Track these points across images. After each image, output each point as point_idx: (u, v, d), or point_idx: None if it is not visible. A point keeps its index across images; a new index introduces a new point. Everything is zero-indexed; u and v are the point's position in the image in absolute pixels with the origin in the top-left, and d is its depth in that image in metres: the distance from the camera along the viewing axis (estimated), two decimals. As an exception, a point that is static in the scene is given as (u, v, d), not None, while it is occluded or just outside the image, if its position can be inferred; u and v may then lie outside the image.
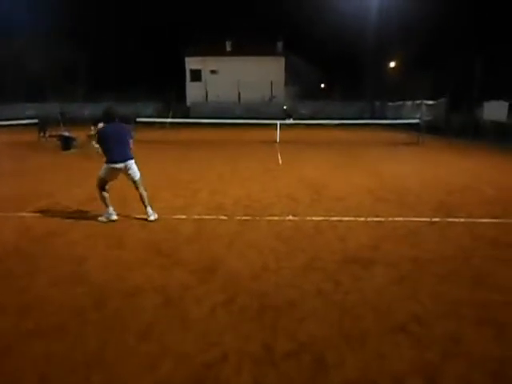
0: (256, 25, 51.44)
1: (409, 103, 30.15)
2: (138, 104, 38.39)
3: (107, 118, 6.85)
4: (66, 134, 17.06)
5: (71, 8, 45.76)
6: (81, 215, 7.18)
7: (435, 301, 4.14)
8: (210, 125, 26.95)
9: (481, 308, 4.02)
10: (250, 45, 43.34)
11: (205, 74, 45.51)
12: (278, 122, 21.34)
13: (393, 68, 41.84)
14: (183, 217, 7.11)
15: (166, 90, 39.74)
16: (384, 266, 5.00)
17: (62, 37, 41.17)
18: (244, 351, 3.33)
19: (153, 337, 3.53)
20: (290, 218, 7.05)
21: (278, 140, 19.78)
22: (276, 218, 7.05)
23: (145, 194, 6.86)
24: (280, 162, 13.75)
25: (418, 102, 28.22)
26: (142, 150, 17.48)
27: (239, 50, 44.25)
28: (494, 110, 21.59)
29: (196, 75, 45.69)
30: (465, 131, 22.47)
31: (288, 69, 46.07)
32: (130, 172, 6.72)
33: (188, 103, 44.10)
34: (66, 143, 16.58)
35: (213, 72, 45.41)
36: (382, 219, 6.95)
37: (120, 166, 6.64)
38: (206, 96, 44.34)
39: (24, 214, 7.27)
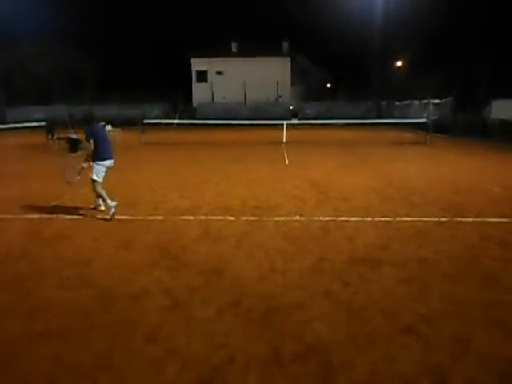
0: (262, 26, 51.58)
1: (416, 103, 30.00)
2: (145, 105, 38.48)
3: (89, 119, 7.37)
4: (74, 136, 17.15)
5: (78, 11, 46.07)
6: (88, 217, 7.20)
7: (443, 301, 4.11)
8: (217, 126, 26.96)
9: (489, 308, 3.98)
10: (256, 46, 43.31)
11: (211, 75, 45.55)
12: (285, 122, 21.31)
13: (399, 67, 41.66)
14: (190, 218, 7.11)
15: (173, 91, 39.85)
16: (392, 267, 4.97)
17: (70, 40, 41.44)
18: (251, 353, 3.31)
19: (160, 339, 3.52)
20: (297, 218, 7.03)
21: (284, 140, 19.75)
22: (283, 218, 7.03)
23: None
24: (287, 162, 13.73)
25: (425, 101, 28.07)
26: (149, 151, 17.56)
27: (245, 51, 44.24)
28: (502, 109, 21.40)
29: (202, 76, 45.75)
30: (472, 130, 22.31)
31: (294, 69, 46.00)
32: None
33: (194, 104, 44.17)
34: (74, 145, 16.68)
35: (219, 73, 45.44)
36: (390, 219, 6.91)
37: (111, 162, 7.18)
38: (212, 97, 44.37)
39: (32, 215, 7.31)
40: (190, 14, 61.67)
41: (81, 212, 7.52)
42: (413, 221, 6.81)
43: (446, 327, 3.65)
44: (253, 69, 43.19)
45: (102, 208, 7.39)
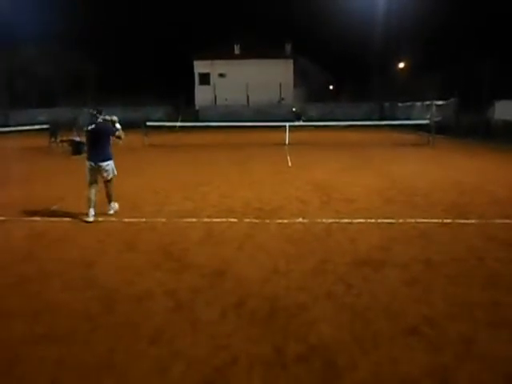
0: (264, 27, 51.65)
1: (418, 104, 29.90)
2: (148, 108, 38.54)
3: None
4: (77, 138, 17.19)
5: (80, 14, 46.28)
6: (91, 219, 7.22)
7: (447, 302, 4.10)
8: (219, 128, 26.99)
9: (493, 309, 3.97)
10: (258, 48, 43.39)
11: (213, 78, 45.59)
12: (287, 124, 21.30)
13: (402, 69, 41.62)
14: (193, 220, 7.12)
15: (175, 93, 39.91)
16: (395, 268, 4.97)
17: (72, 42, 41.64)
18: (254, 354, 3.31)
19: (163, 340, 3.53)
20: (300, 220, 7.03)
21: (287, 142, 19.75)
22: (286, 220, 7.03)
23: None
24: (289, 164, 13.72)
25: (427, 102, 28.01)
26: (152, 153, 17.59)
27: (247, 53, 44.30)
28: (505, 110, 21.33)
29: (204, 79, 45.80)
30: (475, 131, 22.25)
31: (296, 71, 46.04)
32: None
33: (197, 107, 44.22)
34: (77, 148, 16.71)
35: (221, 75, 45.48)
36: (393, 221, 6.90)
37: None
38: (215, 99, 44.42)
39: (35, 218, 7.34)
40: (192, 17, 61.88)
41: (84, 214, 7.52)
42: (416, 222, 6.80)
43: (449, 328, 3.64)
44: (255, 71, 43.21)
45: (112, 212, 7.50)
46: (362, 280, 4.64)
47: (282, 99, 43.99)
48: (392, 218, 7.02)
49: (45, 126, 20.37)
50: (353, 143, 20.84)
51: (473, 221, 6.88)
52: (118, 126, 7.55)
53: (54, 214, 7.61)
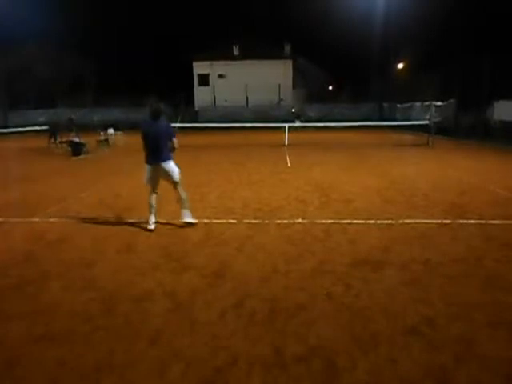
0: (263, 28, 51.74)
1: (418, 104, 29.94)
2: (147, 109, 38.56)
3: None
4: (76, 139, 17.21)
5: (80, 14, 46.28)
6: (91, 220, 7.22)
7: (447, 303, 4.10)
8: (219, 129, 27.00)
9: (493, 310, 3.97)
10: (258, 48, 43.43)
11: (213, 79, 45.63)
12: (287, 124, 21.32)
13: (401, 69, 41.67)
14: (193, 221, 7.11)
15: (175, 94, 39.94)
16: (395, 269, 4.97)
17: (72, 44, 41.67)
18: (254, 355, 3.31)
19: (162, 341, 3.53)
20: (300, 220, 7.03)
21: (286, 143, 19.76)
22: (285, 221, 7.03)
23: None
24: (289, 164, 13.73)
25: (426, 103, 28.03)
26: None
27: (246, 54, 44.32)
28: (504, 110, 21.36)
29: (204, 80, 45.83)
30: (474, 132, 22.27)
31: (296, 72, 46.08)
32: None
33: (196, 108, 44.25)
34: (76, 149, 16.74)
35: (220, 76, 45.51)
36: (393, 221, 6.90)
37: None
38: (214, 100, 44.45)
39: (35, 219, 7.33)
40: (191, 18, 61.95)
41: (83, 215, 7.54)
42: (415, 223, 6.80)
43: (449, 329, 3.65)
44: (255, 71, 43.27)
45: (187, 219, 6.79)
46: (362, 280, 4.64)
47: (282, 100, 44.04)
48: (391, 219, 7.02)
49: (44, 127, 20.39)
50: (352, 144, 20.86)
51: (472, 221, 6.88)
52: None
53: (53, 214, 7.60)
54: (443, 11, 34.06)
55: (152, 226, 6.64)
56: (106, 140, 20.48)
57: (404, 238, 6.11)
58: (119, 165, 14.59)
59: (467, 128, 23.21)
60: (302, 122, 29.81)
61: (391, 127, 28.11)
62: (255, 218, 7.19)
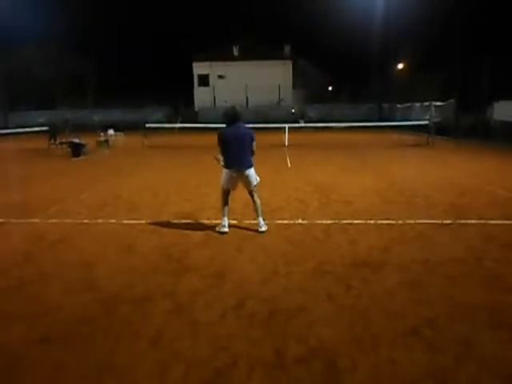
0: (263, 29, 51.76)
1: (417, 105, 29.93)
2: (147, 110, 38.56)
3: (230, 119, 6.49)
4: (76, 140, 17.22)
5: (80, 14, 46.30)
6: (91, 221, 7.21)
7: (447, 303, 4.10)
8: (219, 129, 26.96)
9: (493, 311, 3.97)
10: (257, 49, 43.47)
11: (212, 79, 45.68)
12: (287, 125, 21.33)
13: (401, 70, 41.67)
14: (193, 221, 7.11)
15: (175, 95, 39.97)
16: (395, 269, 4.96)
17: (72, 43, 41.69)
18: (254, 356, 3.31)
19: (163, 343, 3.52)
20: (300, 221, 7.03)
21: (286, 143, 19.77)
22: (285, 221, 7.03)
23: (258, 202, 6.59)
24: (289, 165, 13.74)
25: (426, 103, 28.04)
26: (152, 155, 17.58)
27: (246, 55, 44.38)
28: (504, 110, 21.37)
29: (204, 80, 45.88)
30: (474, 132, 22.28)
31: (295, 72, 46.12)
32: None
33: (196, 108, 44.27)
34: (76, 150, 16.74)
35: (220, 77, 45.56)
36: (393, 222, 6.90)
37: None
38: (214, 101, 44.46)
39: (35, 220, 7.33)
40: (191, 18, 61.95)
41: (83, 216, 7.53)
42: (415, 223, 6.80)
43: (449, 329, 3.64)
44: (254, 72, 43.29)
45: (263, 229, 6.50)
46: (362, 281, 4.64)
47: (282, 100, 44.06)
48: (391, 219, 7.02)
49: (44, 128, 20.40)
50: (352, 144, 20.87)
51: (472, 221, 6.88)
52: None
53: (53, 215, 7.60)
54: (443, 11, 34.08)
55: (227, 229, 6.43)
56: (106, 141, 20.50)
57: (404, 238, 6.11)
58: (119, 165, 14.59)
59: (467, 128, 23.23)
60: (305, 122, 29.81)
61: (391, 127, 28.10)
62: (255, 219, 7.17)
